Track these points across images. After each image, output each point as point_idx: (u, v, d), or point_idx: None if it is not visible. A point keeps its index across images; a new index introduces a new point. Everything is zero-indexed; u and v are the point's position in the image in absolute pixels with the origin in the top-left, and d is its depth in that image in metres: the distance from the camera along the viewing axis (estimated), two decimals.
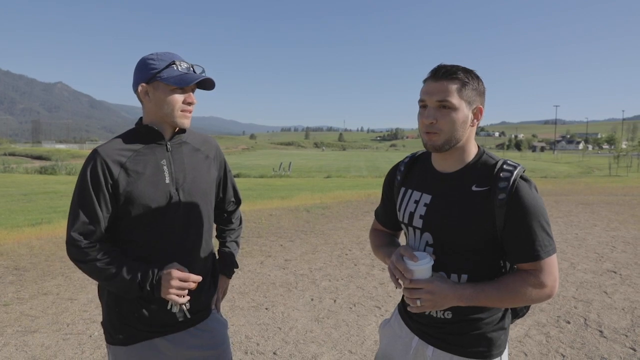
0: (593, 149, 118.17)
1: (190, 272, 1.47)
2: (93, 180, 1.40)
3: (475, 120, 1.33)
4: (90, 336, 3.41)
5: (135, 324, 1.50)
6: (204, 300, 1.62)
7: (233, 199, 1.84)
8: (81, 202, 1.41)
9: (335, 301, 4.23)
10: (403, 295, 1.46)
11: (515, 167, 1.27)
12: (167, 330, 1.54)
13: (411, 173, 1.51)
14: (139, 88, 1.48)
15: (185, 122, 1.53)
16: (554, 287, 1.26)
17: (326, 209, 10.01)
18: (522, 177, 1.27)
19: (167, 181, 1.50)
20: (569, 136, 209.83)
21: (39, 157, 45.82)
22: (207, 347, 1.62)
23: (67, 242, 1.42)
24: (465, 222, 1.29)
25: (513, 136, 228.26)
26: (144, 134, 1.51)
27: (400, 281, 1.29)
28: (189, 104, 1.51)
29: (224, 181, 1.78)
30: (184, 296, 1.45)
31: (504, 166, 1.28)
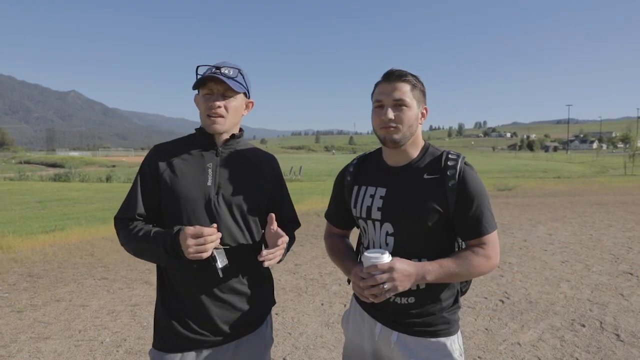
0: (607, 148, 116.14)
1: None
2: (142, 171, 1.58)
3: (422, 118, 1.51)
4: (102, 342, 3.44)
5: (170, 335, 1.52)
6: (244, 316, 1.57)
7: (291, 221, 1.76)
8: (131, 186, 1.59)
9: (345, 306, 4.21)
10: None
11: (458, 156, 1.46)
12: (205, 345, 1.53)
13: (361, 172, 1.63)
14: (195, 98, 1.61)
15: (213, 127, 1.53)
16: (497, 258, 1.45)
17: None
18: (466, 164, 1.45)
19: (209, 183, 1.55)
20: (582, 135, 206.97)
21: (53, 165, 46.51)
22: None
23: (115, 216, 1.59)
24: (422, 207, 1.42)
25: (525, 137, 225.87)
26: (198, 137, 1.62)
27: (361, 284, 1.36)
28: (212, 107, 1.51)
29: (279, 201, 1.72)
30: (207, 250, 1.39)
31: (449, 156, 1.46)
